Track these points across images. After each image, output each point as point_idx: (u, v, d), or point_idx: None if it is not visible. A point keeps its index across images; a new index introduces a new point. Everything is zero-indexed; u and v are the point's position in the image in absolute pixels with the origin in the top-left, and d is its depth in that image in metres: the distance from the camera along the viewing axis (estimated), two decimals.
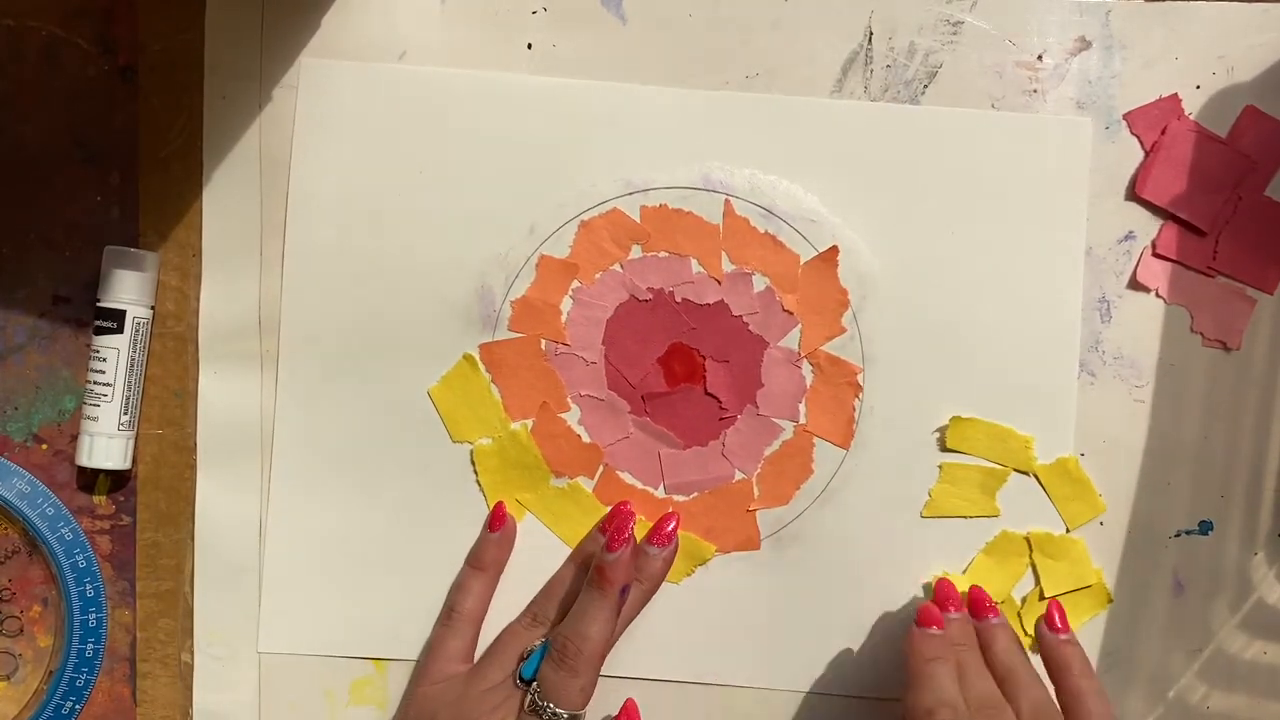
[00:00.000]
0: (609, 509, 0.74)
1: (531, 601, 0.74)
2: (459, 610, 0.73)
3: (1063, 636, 0.70)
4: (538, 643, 0.70)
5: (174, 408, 0.74)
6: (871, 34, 0.74)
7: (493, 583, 0.74)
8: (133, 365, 0.72)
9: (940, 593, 0.72)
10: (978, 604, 0.72)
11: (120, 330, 0.72)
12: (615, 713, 0.73)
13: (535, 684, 0.67)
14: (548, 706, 0.66)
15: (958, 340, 0.74)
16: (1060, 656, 0.70)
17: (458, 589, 0.74)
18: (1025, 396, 0.74)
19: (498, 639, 0.72)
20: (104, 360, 0.72)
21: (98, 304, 0.72)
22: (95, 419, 0.72)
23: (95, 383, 0.72)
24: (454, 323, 0.74)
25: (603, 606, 0.69)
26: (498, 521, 0.74)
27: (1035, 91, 0.74)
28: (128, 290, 0.72)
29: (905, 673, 0.68)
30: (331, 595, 0.75)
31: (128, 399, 0.73)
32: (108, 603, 0.74)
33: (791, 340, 0.74)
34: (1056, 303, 0.74)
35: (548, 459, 0.74)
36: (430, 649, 0.73)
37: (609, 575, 0.69)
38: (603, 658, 0.69)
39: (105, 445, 0.72)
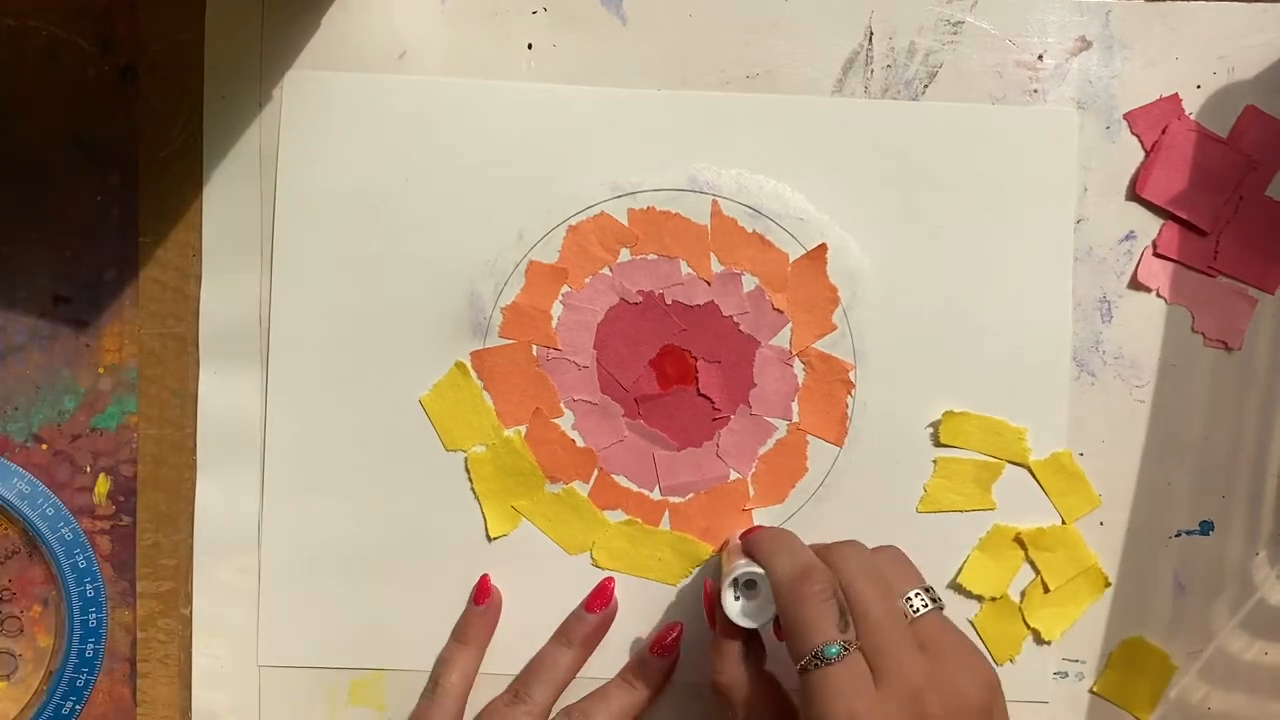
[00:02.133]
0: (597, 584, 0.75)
1: (515, 679, 0.74)
2: (442, 684, 0.73)
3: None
4: None
5: (174, 408, 0.74)
6: (872, 34, 0.74)
7: (478, 657, 0.74)
8: None
9: None
10: None
11: None
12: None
13: None
14: None
15: (949, 335, 0.74)
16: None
17: (442, 663, 0.74)
18: (1018, 390, 0.74)
19: (478, 717, 0.73)
20: None
21: None
22: None
23: None
24: (444, 330, 0.74)
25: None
26: (482, 595, 0.74)
27: (1036, 91, 0.74)
28: None
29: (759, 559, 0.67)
30: (327, 607, 0.75)
31: None
32: (108, 603, 0.74)
33: (782, 339, 0.74)
34: (1048, 295, 0.74)
35: (542, 465, 0.74)
36: None
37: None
38: None
39: None
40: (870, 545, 0.70)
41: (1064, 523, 0.74)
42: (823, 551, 0.66)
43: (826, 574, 0.63)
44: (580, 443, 0.74)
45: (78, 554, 0.73)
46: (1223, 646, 0.75)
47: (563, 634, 0.74)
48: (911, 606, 0.64)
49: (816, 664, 0.61)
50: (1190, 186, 0.74)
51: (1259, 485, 0.75)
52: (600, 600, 0.73)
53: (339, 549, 0.75)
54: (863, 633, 0.62)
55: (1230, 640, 0.75)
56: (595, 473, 0.74)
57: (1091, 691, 0.75)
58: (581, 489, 0.75)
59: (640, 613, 0.75)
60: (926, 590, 0.65)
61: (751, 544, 0.69)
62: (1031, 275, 0.74)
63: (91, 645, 0.74)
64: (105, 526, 0.75)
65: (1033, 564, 0.74)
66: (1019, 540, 0.74)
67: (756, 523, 0.75)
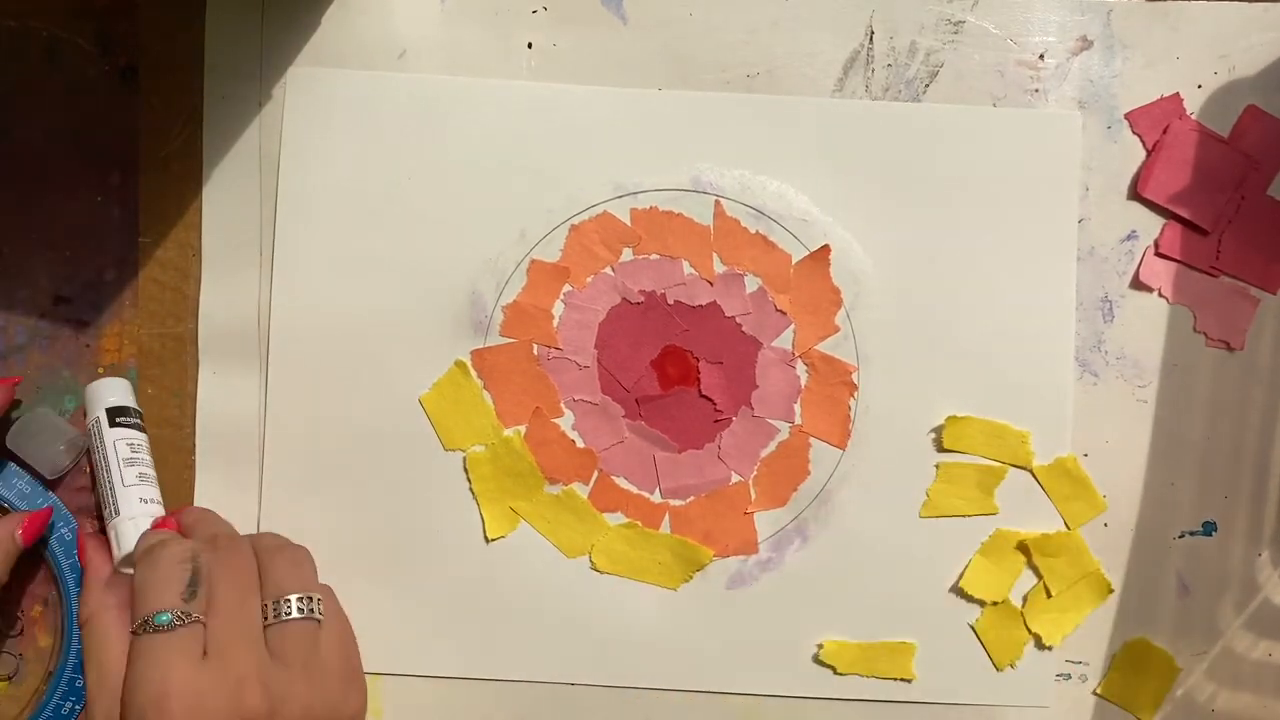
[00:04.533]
0: None
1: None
2: None
3: None
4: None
5: (173, 408, 0.74)
6: (872, 33, 0.74)
7: None
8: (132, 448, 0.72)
9: None
10: None
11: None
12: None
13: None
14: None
15: (953, 337, 0.74)
16: None
17: None
18: (1021, 393, 0.74)
19: None
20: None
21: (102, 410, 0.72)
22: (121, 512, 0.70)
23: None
24: (445, 329, 0.74)
25: None
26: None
27: (1037, 91, 0.74)
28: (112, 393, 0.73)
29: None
30: None
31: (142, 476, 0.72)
32: None
33: (785, 340, 0.74)
34: (1051, 298, 0.74)
35: (541, 466, 0.74)
36: None
37: None
38: None
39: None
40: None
41: (1068, 528, 0.74)
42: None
43: (186, 543, 0.64)
44: (580, 443, 0.74)
45: (77, 554, 0.73)
46: (1228, 647, 0.75)
47: None
48: (282, 610, 0.64)
49: (145, 629, 0.61)
50: (1192, 186, 0.74)
51: (1261, 485, 0.75)
52: None
53: (336, 550, 0.74)
54: (210, 615, 0.62)
55: (1235, 641, 0.75)
56: (595, 474, 0.74)
57: (1095, 693, 0.75)
58: (581, 490, 0.74)
59: (641, 617, 0.74)
60: (310, 599, 0.65)
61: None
62: (1035, 278, 0.74)
63: None
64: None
65: (1035, 569, 0.74)
66: (1022, 547, 0.74)
67: (757, 526, 0.75)
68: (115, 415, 0.72)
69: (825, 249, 0.74)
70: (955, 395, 0.74)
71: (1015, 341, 0.74)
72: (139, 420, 0.73)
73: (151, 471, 0.72)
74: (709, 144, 0.74)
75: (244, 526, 0.74)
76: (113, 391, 0.72)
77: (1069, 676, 0.75)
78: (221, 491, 0.74)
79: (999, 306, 0.74)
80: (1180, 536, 0.75)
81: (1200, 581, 0.75)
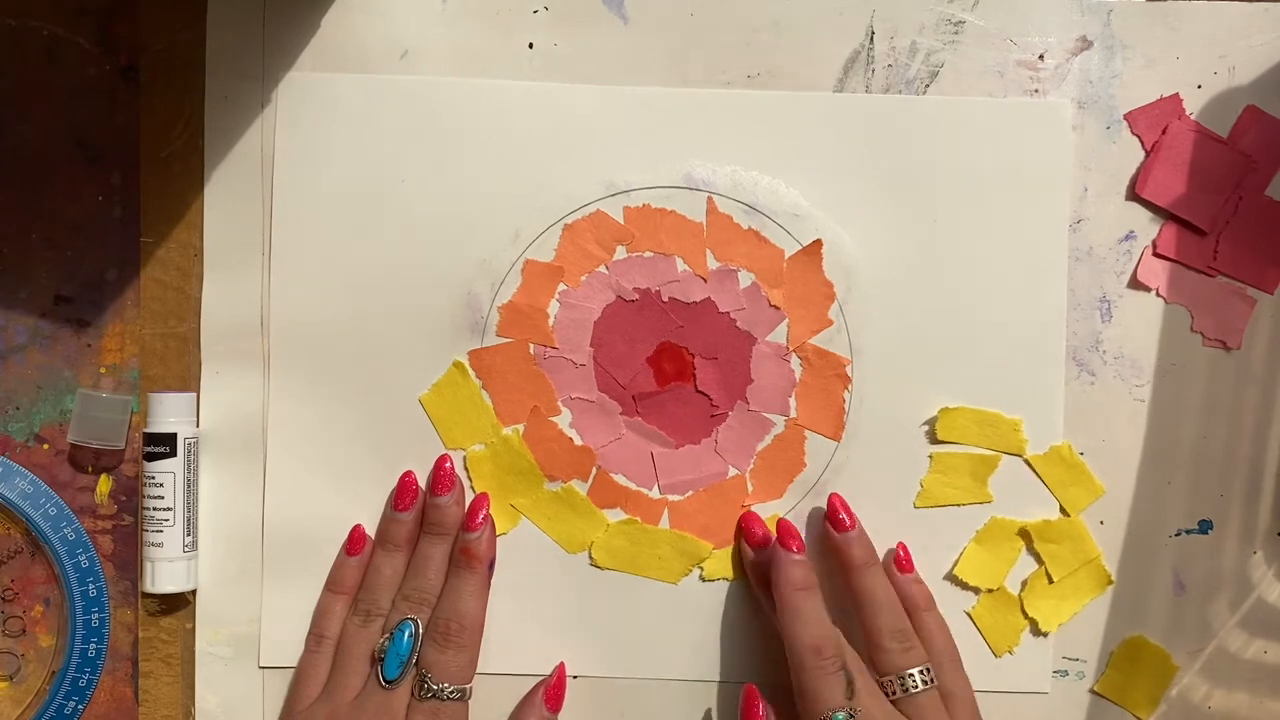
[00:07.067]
0: (433, 477, 0.74)
1: (357, 600, 0.73)
2: (329, 636, 0.73)
3: (910, 576, 0.73)
4: (383, 639, 0.70)
5: None
6: (873, 33, 0.74)
7: (351, 603, 0.74)
8: (189, 486, 0.73)
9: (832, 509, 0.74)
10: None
11: (173, 454, 0.72)
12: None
13: (422, 670, 0.69)
14: (444, 687, 0.68)
15: (945, 329, 0.75)
16: (909, 595, 0.72)
17: (323, 614, 0.74)
18: (1014, 383, 0.75)
19: (338, 648, 0.72)
20: (161, 485, 0.72)
21: (146, 431, 0.73)
22: (160, 544, 0.72)
23: (155, 509, 0.72)
24: (443, 330, 0.74)
25: (472, 582, 0.71)
26: (356, 546, 0.74)
27: (1036, 91, 0.74)
28: (175, 412, 0.73)
29: (777, 600, 0.70)
30: None
31: (189, 520, 0.73)
32: (110, 602, 0.74)
33: (779, 335, 0.74)
34: (1042, 289, 0.75)
35: (540, 463, 0.74)
36: (299, 677, 0.73)
37: (476, 553, 0.71)
38: (481, 632, 0.71)
39: (169, 570, 0.73)
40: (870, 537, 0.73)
41: (1067, 515, 0.75)
42: (858, 589, 0.71)
43: (835, 645, 0.68)
44: (578, 441, 0.75)
45: (80, 554, 0.73)
46: (1222, 645, 0.75)
47: (385, 540, 0.74)
48: (912, 681, 0.68)
49: None
50: (1190, 186, 0.74)
51: (1257, 484, 0.75)
52: (408, 496, 0.74)
53: (340, 549, 0.75)
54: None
55: (1230, 639, 0.75)
56: (594, 471, 0.75)
57: (1092, 691, 0.75)
58: (580, 487, 0.75)
59: (641, 611, 0.75)
60: (927, 670, 0.69)
61: (778, 601, 0.70)
62: (1026, 267, 0.75)
63: (94, 645, 0.74)
64: (107, 526, 0.75)
65: (1036, 555, 0.75)
66: (1024, 533, 0.74)
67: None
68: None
69: (817, 243, 0.74)
70: (948, 386, 0.74)
71: (1007, 331, 0.75)
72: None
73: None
74: (700, 141, 0.74)
75: (247, 526, 0.75)
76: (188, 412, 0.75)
77: (1066, 673, 0.75)
78: (224, 491, 0.75)
79: (990, 297, 0.74)
80: (1176, 534, 0.75)
81: (1196, 580, 0.75)
